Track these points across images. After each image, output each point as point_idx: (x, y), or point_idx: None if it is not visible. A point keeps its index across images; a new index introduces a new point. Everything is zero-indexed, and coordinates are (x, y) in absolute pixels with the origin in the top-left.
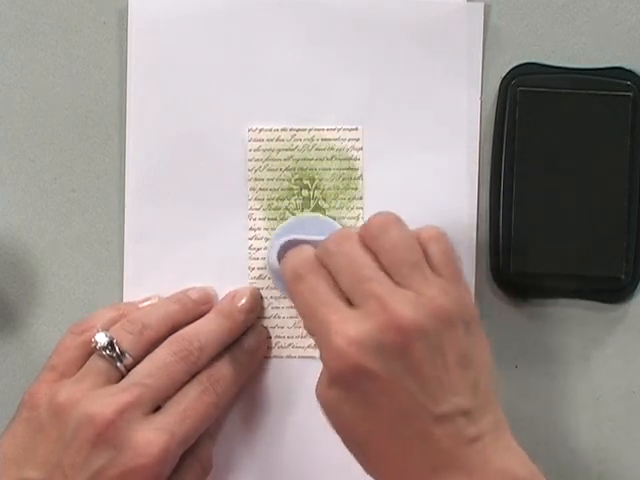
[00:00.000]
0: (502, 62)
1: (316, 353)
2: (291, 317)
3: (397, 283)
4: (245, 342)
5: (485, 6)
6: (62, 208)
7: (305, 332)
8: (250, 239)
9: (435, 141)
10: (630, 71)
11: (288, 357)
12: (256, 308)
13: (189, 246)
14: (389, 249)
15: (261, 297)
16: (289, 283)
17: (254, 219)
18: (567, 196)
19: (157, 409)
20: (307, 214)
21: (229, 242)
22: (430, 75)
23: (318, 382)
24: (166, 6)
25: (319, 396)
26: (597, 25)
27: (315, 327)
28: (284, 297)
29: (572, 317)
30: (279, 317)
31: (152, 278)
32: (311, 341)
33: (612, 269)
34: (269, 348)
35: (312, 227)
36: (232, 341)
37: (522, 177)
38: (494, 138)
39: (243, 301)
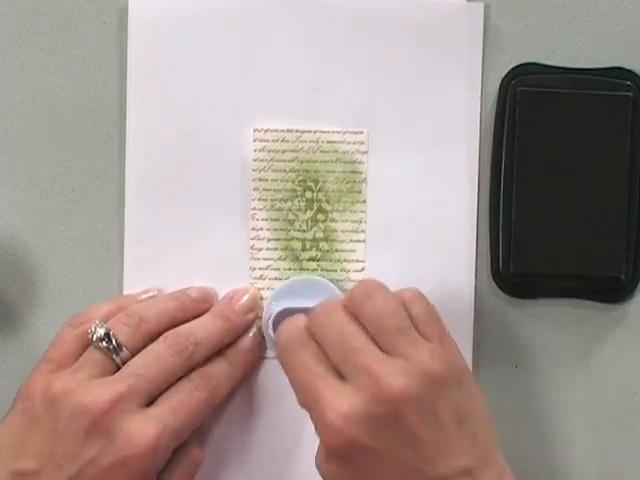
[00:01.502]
0: (502, 62)
1: None
2: None
3: (385, 351)
4: (240, 343)
5: (485, 6)
6: (62, 208)
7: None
8: (252, 239)
9: (435, 141)
10: (630, 71)
11: None
12: (254, 309)
13: (189, 246)
14: (374, 317)
15: (261, 297)
16: (281, 357)
17: (257, 219)
18: (567, 196)
19: (151, 403)
20: (305, 276)
21: (230, 242)
22: (430, 75)
23: (317, 455)
24: (166, 6)
25: (319, 468)
26: (597, 25)
27: (309, 403)
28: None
29: (572, 317)
30: None
31: (152, 278)
32: None
33: (612, 269)
34: (266, 349)
35: (312, 290)
36: (229, 341)
37: (522, 177)
38: (494, 138)
39: (241, 302)
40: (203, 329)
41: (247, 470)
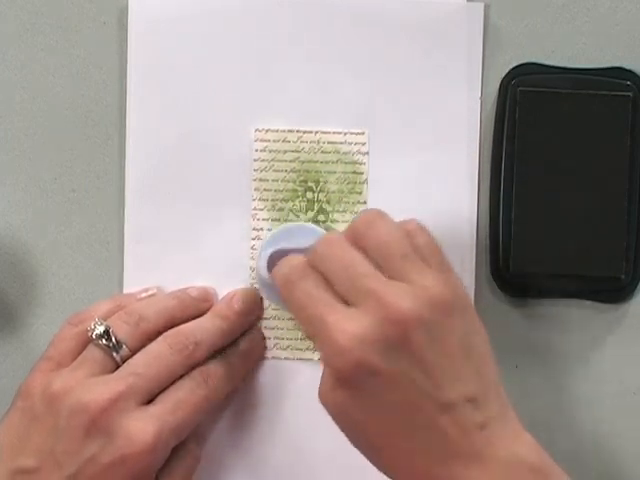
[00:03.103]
0: (502, 62)
1: (315, 356)
2: (290, 319)
3: (390, 277)
4: (240, 344)
5: (485, 6)
6: (62, 208)
7: (304, 334)
8: (253, 239)
9: (435, 141)
10: (630, 71)
11: (287, 359)
12: (254, 310)
13: (189, 246)
14: (378, 244)
15: (261, 299)
16: (283, 291)
17: (257, 219)
18: (567, 196)
19: (150, 401)
20: (293, 223)
21: (231, 242)
22: (430, 75)
23: (321, 386)
24: (166, 6)
25: (324, 400)
26: (597, 25)
27: (314, 330)
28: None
29: (572, 317)
30: (279, 318)
31: (152, 278)
32: (310, 343)
33: (612, 269)
34: (267, 349)
35: (299, 236)
36: (229, 341)
37: (522, 177)
38: (494, 138)
39: (241, 303)
40: (203, 329)
41: (247, 470)
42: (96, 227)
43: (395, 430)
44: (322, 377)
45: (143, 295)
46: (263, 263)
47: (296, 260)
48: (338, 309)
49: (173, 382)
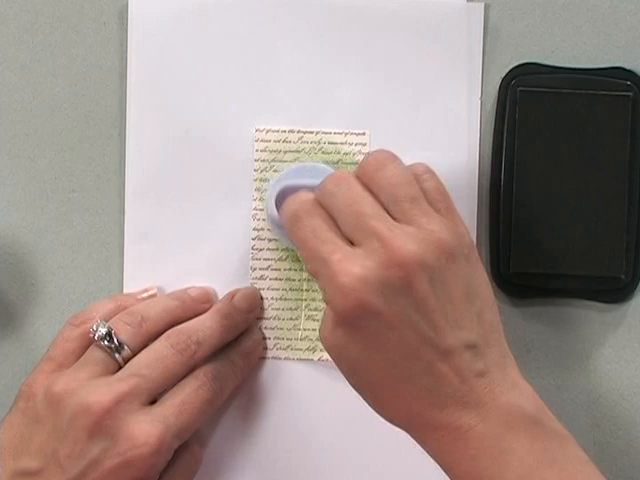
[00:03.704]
0: (502, 62)
1: (315, 356)
2: (291, 319)
3: (397, 219)
4: (241, 344)
5: (485, 6)
6: (62, 208)
7: (304, 334)
8: (253, 239)
9: (435, 141)
10: (630, 71)
11: (286, 359)
12: (255, 308)
13: (190, 246)
14: (387, 186)
15: (261, 297)
16: (289, 227)
17: (258, 219)
18: (567, 196)
19: (153, 402)
20: (303, 163)
21: (231, 242)
22: (430, 75)
23: (322, 325)
24: (166, 6)
25: (325, 339)
26: (597, 25)
27: (318, 268)
28: (283, 258)
29: (572, 317)
30: (279, 318)
31: (152, 278)
32: (310, 343)
33: (612, 269)
34: (266, 349)
35: (310, 175)
36: (230, 340)
37: (522, 177)
38: (494, 138)
39: (242, 301)
40: (205, 327)
41: (247, 470)
42: (96, 227)
43: (394, 373)
44: (324, 317)
45: (143, 295)
46: (272, 200)
47: (304, 196)
48: (342, 249)
49: (176, 381)
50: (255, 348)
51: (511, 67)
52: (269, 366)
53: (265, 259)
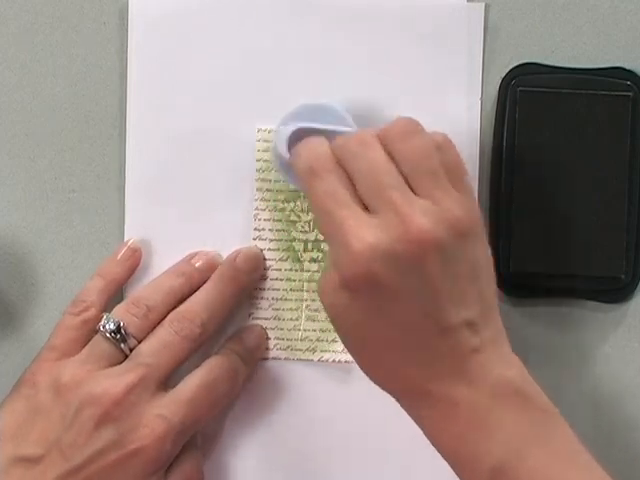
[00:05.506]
0: (502, 62)
1: (315, 356)
2: (291, 319)
3: (415, 192)
4: (245, 341)
5: (485, 6)
6: (62, 208)
7: (304, 334)
8: (254, 239)
9: None
10: (630, 71)
11: (287, 359)
12: (259, 268)
13: (190, 246)
14: (410, 158)
15: (264, 258)
16: (304, 179)
17: (259, 219)
18: (567, 196)
19: (162, 389)
20: (315, 102)
21: (232, 242)
22: (430, 75)
23: (324, 283)
24: (166, 6)
25: (325, 297)
26: (597, 25)
27: (331, 230)
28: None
29: (572, 317)
30: (279, 319)
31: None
32: (310, 344)
33: (612, 269)
34: (267, 349)
35: (322, 115)
36: (236, 305)
37: (522, 177)
38: (494, 138)
39: (245, 261)
40: (211, 301)
41: (247, 470)
42: (96, 227)
43: (391, 342)
44: (325, 275)
45: (120, 255)
46: (283, 140)
47: (322, 147)
48: (358, 214)
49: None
50: (260, 345)
51: (511, 67)
52: (269, 366)
53: (265, 259)
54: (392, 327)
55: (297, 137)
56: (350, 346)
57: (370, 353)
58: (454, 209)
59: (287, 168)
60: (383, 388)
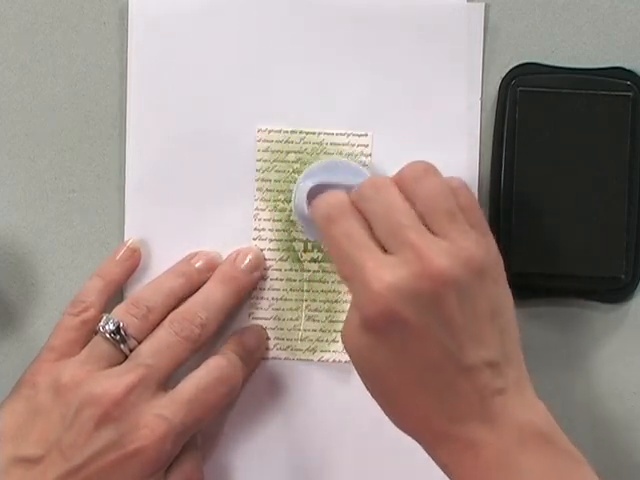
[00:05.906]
0: (502, 62)
1: (315, 356)
2: (291, 319)
3: (432, 232)
4: (245, 341)
5: (485, 6)
6: (62, 208)
7: (304, 334)
8: (254, 239)
9: (435, 142)
10: (630, 71)
11: (287, 359)
12: (260, 267)
13: (190, 246)
14: (425, 198)
15: (264, 258)
16: (322, 226)
17: (259, 220)
18: (567, 196)
19: (162, 390)
20: (332, 158)
21: (232, 242)
22: (430, 75)
23: (347, 328)
24: (166, 6)
25: (348, 341)
26: (597, 25)
27: (350, 272)
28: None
29: (572, 317)
30: (279, 319)
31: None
32: (310, 344)
33: (612, 269)
34: (267, 350)
35: (339, 172)
36: (237, 304)
37: (522, 177)
38: (494, 138)
39: (246, 261)
40: (212, 301)
41: (247, 470)
42: (96, 227)
43: (413, 383)
44: (348, 319)
45: (119, 255)
46: (303, 195)
47: (339, 197)
48: (377, 255)
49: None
50: (260, 346)
51: (511, 67)
52: (269, 366)
53: (265, 259)
54: (413, 366)
55: (317, 192)
56: (372, 388)
57: (391, 395)
58: (471, 248)
59: (308, 223)
60: (404, 431)
